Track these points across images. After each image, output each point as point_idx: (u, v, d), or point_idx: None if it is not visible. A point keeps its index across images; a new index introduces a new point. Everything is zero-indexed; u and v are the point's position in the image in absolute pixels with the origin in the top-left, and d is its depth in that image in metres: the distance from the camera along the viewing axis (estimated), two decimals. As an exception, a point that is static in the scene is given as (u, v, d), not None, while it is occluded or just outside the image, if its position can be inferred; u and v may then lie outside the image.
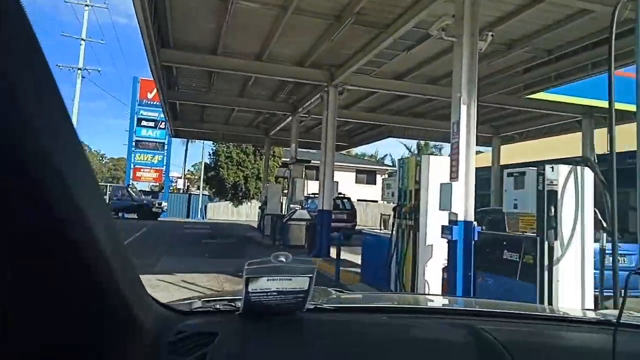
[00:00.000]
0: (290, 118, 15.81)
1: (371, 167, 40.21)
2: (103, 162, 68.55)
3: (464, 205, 5.79)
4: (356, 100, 14.92)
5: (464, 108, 6.09)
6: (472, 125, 6.12)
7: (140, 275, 0.79)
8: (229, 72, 11.69)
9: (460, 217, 5.76)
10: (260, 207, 19.33)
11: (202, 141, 33.04)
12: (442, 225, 5.79)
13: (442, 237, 5.78)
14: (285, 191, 18.11)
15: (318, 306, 1.06)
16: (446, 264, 5.87)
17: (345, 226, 18.30)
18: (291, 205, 14.64)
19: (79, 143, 0.57)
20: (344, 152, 40.25)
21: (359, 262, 10.38)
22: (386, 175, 41.86)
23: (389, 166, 44.25)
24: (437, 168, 6.23)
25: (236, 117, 18.54)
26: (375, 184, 39.07)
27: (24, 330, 0.56)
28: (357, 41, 9.63)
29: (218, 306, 1.06)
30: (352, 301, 1.45)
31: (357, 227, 20.13)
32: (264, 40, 10.00)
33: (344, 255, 8.99)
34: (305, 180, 14.51)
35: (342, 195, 19.85)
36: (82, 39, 30.58)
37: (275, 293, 0.89)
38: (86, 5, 30.00)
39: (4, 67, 0.45)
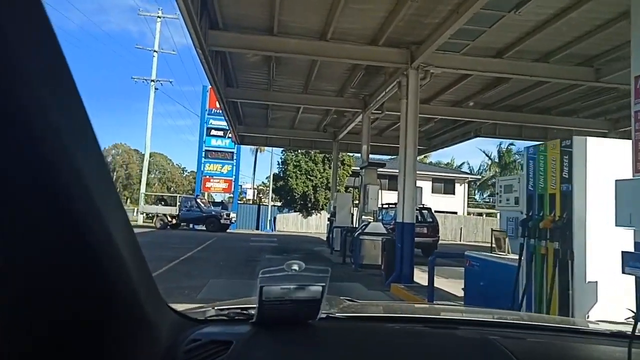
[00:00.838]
0: (360, 116, 13.77)
1: (449, 175, 36.79)
2: (184, 175, 71.15)
3: (663, 217, 3.34)
4: (437, 92, 12.54)
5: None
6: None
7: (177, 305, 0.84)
8: (288, 57, 9.95)
9: (658, 238, 3.32)
10: (328, 219, 17.43)
11: (270, 148, 32.07)
12: (624, 252, 3.37)
13: (624, 271, 3.36)
14: (357, 201, 16.07)
15: (330, 315, 1.07)
16: (632, 315, 3.42)
17: (426, 241, 15.82)
18: (363, 217, 12.52)
19: (97, 143, 0.57)
20: (418, 157, 37.49)
21: (454, 292, 7.98)
22: (466, 185, 38.26)
23: (468, 174, 40.41)
24: (601, 158, 3.83)
25: (302, 119, 16.89)
26: (454, 193, 35.71)
27: (40, 331, 0.58)
28: (446, 2, 7.39)
29: (232, 314, 1.08)
30: (364, 310, 1.46)
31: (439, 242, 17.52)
32: (327, 12, 8.10)
33: (424, 278, 6.72)
34: (380, 188, 12.32)
35: (422, 205, 17.37)
36: (155, 51, 31.15)
37: (289, 302, 0.89)
38: (158, 17, 30.55)
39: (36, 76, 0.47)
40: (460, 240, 30.98)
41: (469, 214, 35.77)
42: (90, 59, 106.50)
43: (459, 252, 7.14)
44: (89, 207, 0.54)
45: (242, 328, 0.96)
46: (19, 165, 0.48)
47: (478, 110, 13.69)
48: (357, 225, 14.47)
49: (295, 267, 0.89)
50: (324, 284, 0.90)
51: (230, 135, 23.47)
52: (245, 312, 1.05)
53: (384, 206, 15.15)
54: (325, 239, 22.09)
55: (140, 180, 30.97)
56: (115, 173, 72.61)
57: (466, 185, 36.70)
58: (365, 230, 11.54)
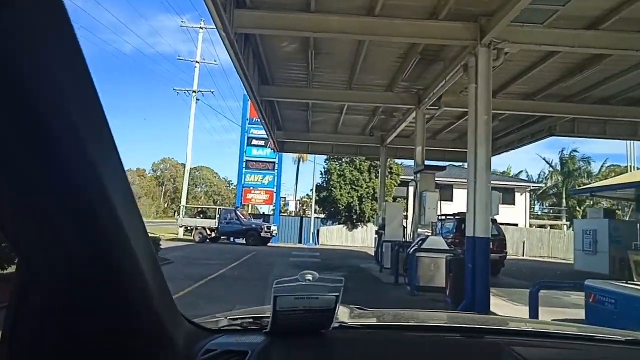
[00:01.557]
0: (413, 114, 12.00)
1: (509, 183, 33.84)
2: (230, 188, 71.46)
3: None
4: (506, 81, 10.61)
5: None
6: None
7: None
8: (329, 43, 8.48)
9: None
10: (376, 232, 15.63)
11: (312, 157, 30.76)
12: None
13: None
14: (405, 213, 14.25)
15: (343, 324, 1.06)
16: None
17: (492, 258, 13.65)
18: (419, 230, 10.68)
19: (118, 155, 0.59)
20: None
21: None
22: (527, 194, 34.98)
23: (530, 182, 37.10)
24: None
25: (345, 122, 15.32)
26: (514, 204, 32.68)
27: (66, 345, 0.63)
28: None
29: (245, 324, 1.08)
30: (377, 319, 1.45)
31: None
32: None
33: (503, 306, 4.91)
34: (438, 196, 10.45)
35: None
36: (197, 62, 30.79)
37: (303, 311, 0.90)
38: (200, 27, 30.23)
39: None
40: (523, 255, 28.02)
41: (530, 225, 32.57)
42: (143, 77, 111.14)
43: (541, 271, 5.25)
44: (113, 222, 0.58)
45: (256, 338, 0.97)
46: (49, 181, 0.52)
47: (555, 104, 11.54)
48: (409, 239, 12.64)
49: (309, 276, 0.90)
50: (337, 294, 0.90)
51: (269, 143, 22.20)
52: (257, 321, 1.06)
53: (439, 217, 13.20)
54: (372, 254, 20.32)
55: (187, 194, 30.52)
56: (163, 187, 74.68)
57: (527, 194, 33.57)
58: (423, 246, 9.70)
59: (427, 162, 12.06)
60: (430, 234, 10.27)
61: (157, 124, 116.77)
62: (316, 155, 32.17)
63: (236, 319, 1.13)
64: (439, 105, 11.09)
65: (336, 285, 0.91)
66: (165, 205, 72.77)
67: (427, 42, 8.23)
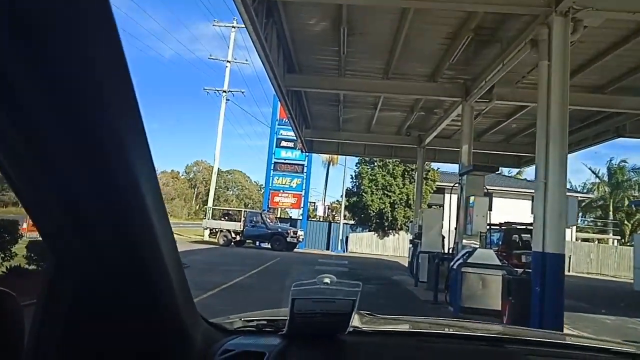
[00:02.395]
0: (458, 109, 10.52)
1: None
2: (261, 192, 71.15)
3: None
4: (572, 71, 8.93)
5: None
6: None
7: None
8: (364, 15, 7.16)
9: None
10: (411, 241, 14.13)
11: (343, 159, 29.45)
12: None
13: None
14: (444, 221, 12.69)
15: (358, 329, 1.06)
16: None
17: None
18: (464, 242, 9.16)
19: (151, 159, 0.60)
20: (512, 173, 32.45)
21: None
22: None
23: (577, 192, 34.36)
24: None
25: (380, 119, 13.94)
26: (559, 215, 30.16)
27: (90, 343, 0.66)
28: None
29: (260, 326, 1.09)
30: (392, 325, 1.45)
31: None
32: None
33: None
34: (488, 202, 8.91)
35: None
36: (228, 61, 30.16)
37: (320, 314, 0.90)
38: (232, 27, 29.56)
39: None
40: (569, 271, 25.64)
41: (576, 239, 29.97)
42: (181, 81, 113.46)
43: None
44: (145, 223, 0.60)
45: (273, 340, 0.98)
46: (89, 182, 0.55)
47: (630, 98, 9.78)
48: (450, 251, 11.12)
49: (327, 280, 0.89)
50: (354, 298, 0.90)
51: (297, 144, 20.93)
52: (273, 323, 1.08)
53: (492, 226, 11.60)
54: (405, 264, 18.81)
55: (219, 197, 29.86)
56: (195, 189, 75.34)
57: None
58: (470, 260, 8.19)
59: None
60: (477, 246, 8.75)
61: (192, 127, 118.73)
62: (347, 158, 30.86)
63: (252, 320, 1.15)
64: (490, 97, 9.57)
65: (354, 289, 0.90)
66: (197, 208, 73.22)
67: (488, 9, 6.74)
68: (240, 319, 1.17)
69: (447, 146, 15.55)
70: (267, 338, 1.00)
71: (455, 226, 10.16)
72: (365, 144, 17.01)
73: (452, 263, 8.93)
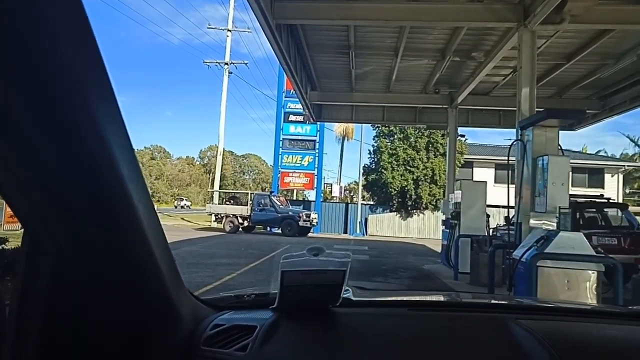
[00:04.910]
0: (514, 37, 7.66)
1: (597, 162, 28.09)
2: (277, 177, 69.43)
3: None
4: None
5: None
6: None
7: None
8: None
9: None
10: (445, 222, 11.44)
11: (360, 130, 26.63)
12: None
13: None
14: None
15: (349, 300, 1.06)
16: None
17: (623, 259, 9.16)
18: (532, 222, 6.44)
19: (129, 142, 0.62)
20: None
21: None
22: (620, 176, 28.91)
23: (623, 160, 30.83)
24: None
25: (402, 72, 11.12)
26: (603, 187, 26.96)
27: (78, 322, 0.67)
28: None
29: (251, 300, 1.12)
30: (383, 295, 1.51)
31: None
32: None
33: None
34: (569, 164, 6.14)
35: (606, 200, 10.69)
36: (229, 30, 27.46)
37: (310, 287, 0.89)
38: (230, -8, 26.78)
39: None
40: (621, 251, 22.59)
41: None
42: (188, 68, 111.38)
43: None
44: (123, 196, 0.61)
45: (264, 314, 0.97)
46: (70, 169, 0.56)
47: None
48: (507, 236, 8.46)
49: (316, 252, 0.89)
50: (345, 269, 0.89)
51: (305, 114, 18.03)
52: (263, 297, 1.08)
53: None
54: (432, 247, 16.19)
55: (235, 182, 27.63)
56: (211, 174, 73.90)
57: (620, 176, 27.69)
58: (548, 249, 5.50)
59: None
60: (553, 227, 6.08)
61: (205, 111, 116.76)
62: (363, 131, 28.06)
63: (242, 295, 1.16)
64: (561, 17, 6.73)
65: (344, 260, 0.89)
66: (212, 193, 72.11)
67: None
68: (232, 294, 1.19)
69: (486, 105, 12.69)
70: (258, 312, 1.00)
71: (513, 202, 7.43)
72: (384, 107, 14.18)
73: (514, 251, 6.26)
